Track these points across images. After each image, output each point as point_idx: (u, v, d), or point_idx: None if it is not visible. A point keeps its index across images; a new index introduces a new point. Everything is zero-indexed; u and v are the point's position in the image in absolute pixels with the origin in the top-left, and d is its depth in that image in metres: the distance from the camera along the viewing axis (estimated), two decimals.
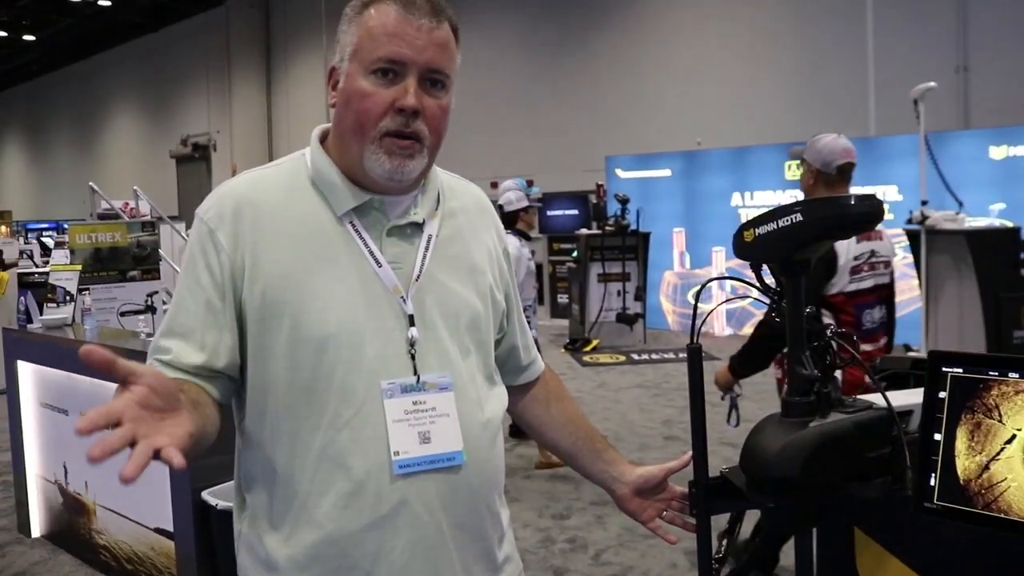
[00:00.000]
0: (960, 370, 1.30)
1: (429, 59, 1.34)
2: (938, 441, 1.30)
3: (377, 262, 1.37)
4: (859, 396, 1.50)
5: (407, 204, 1.43)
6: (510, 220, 5.85)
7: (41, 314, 4.84)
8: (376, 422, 1.33)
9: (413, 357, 1.37)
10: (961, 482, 1.26)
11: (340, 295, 1.34)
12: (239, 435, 1.45)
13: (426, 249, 1.42)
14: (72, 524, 4.46)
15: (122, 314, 5.45)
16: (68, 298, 4.82)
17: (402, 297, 1.37)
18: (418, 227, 1.43)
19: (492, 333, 1.52)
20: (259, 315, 1.34)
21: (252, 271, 1.34)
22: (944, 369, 1.32)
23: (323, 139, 1.46)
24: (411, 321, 1.37)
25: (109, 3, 22.25)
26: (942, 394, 1.31)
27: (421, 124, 1.34)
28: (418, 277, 1.40)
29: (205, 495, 3.30)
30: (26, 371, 4.68)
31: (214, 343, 1.35)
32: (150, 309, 5.51)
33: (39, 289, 5.54)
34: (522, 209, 5.91)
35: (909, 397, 1.51)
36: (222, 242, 1.35)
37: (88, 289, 5.16)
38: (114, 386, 1.08)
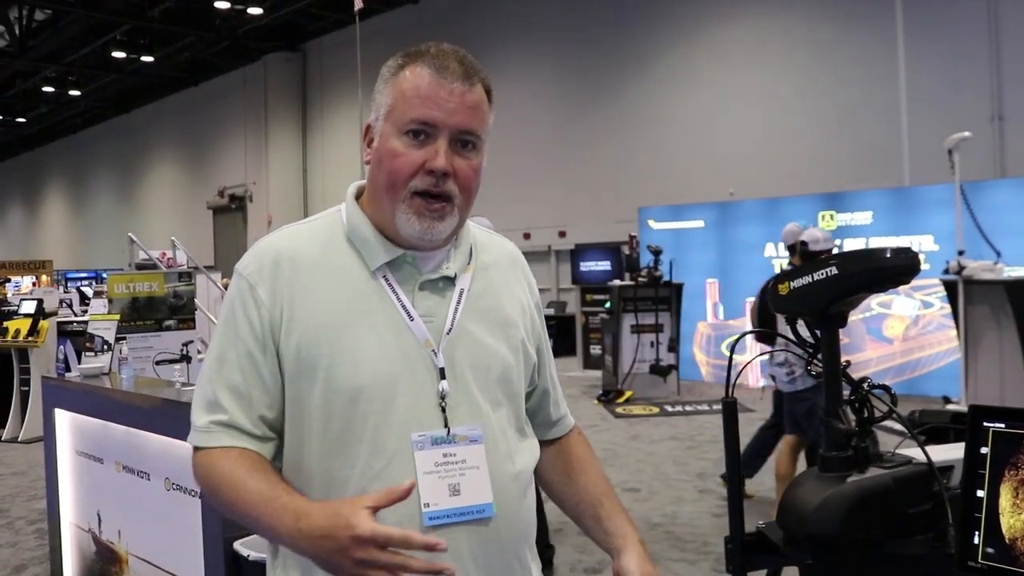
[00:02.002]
0: (1002, 425, 1.28)
1: (460, 122, 1.36)
2: (981, 498, 1.27)
3: (409, 316, 1.39)
4: (898, 451, 1.47)
5: (440, 259, 1.45)
6: (811, 259, 5.70)
7: (79, 363, 4.90)
8: (407, 473, 1.33)
9: (444, 410, 1.38)
10: (1007, 541, 1.23)
11: (373, 348, 1.36)
12: None
13: (458, 303, 1.44)
14: (104, 573, 4.46)
15: (158, 363, 5.51)
16: (106, 347, 4.88)
17: (433, 350, 1.39)
18: (450, 281, 1.45)
19: (523, 386, 1.53)
20: (295, 367, 1.37)
21: (288, 324, 1.37)
22: (986, 424, 1.30)
23: (358, 195, 1.49)
24: (442, 374, 1.39)
25: (151, 59, 22.81)
26: (984, 449, 1.29)
27: (452, 184, 1.37)
28: (449, 330, 1.41)
29: (237, 546, 3.29)
30: (63, 419, 4.73)
31: (260, 395, 1.38)
32: (185, 358, 5.58)
33: (78, 338, 5.61)
34: (827, 250, 5.69)
35: (950, 452, 1.48)
36: (262, 297, 1.38)
37: (125, 338, 5.22)
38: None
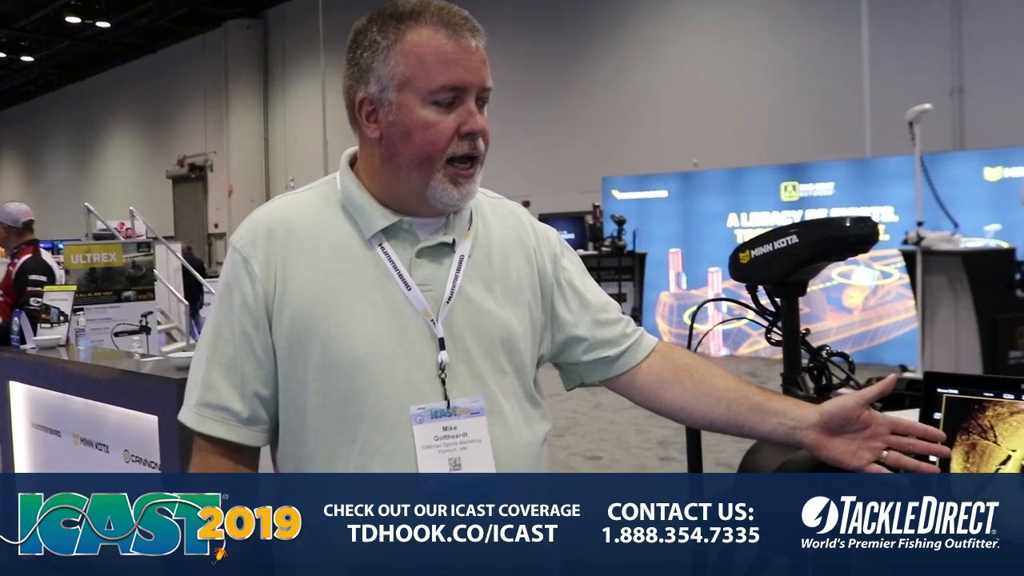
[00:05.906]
0: (955, 391, 1.30)
1: (483, 79, 1.34)
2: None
3: (406, 284, 1.35)
4: None
5: (438, 224, 1.40)
6: None
7: (35, 334, 4.82)
8: (406, 448, 1.31)
9: (444, 381, 1.34)
10: None
11: (369, 319, 1.33)
12: (274, 460, 1.43)
13: (458, 270, 1.38)
14: None
15: (116, 334, 5.43)
16: (62, 319, 4.80)
17: (432, 320, 1.35)
18: (449, 247, 1.40)
19: (532, 352, 1.47)
20: (288, 340, 1.33)
21: (281, 297, 1.33)
22: (939, 390, 1.32)
23: (352, 163, 1.44)
24: (441, 344, 1.34)
25: (107, 25, 22.32)
26: (937, 415, 1.31)
27: (482, 144, 1.35)
28: (449, 299, 1.36)
29: None
30: (18, 392, 4.66)
31: (253, 372, 1.34)
32: (144, 329, 5.50)
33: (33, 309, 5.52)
34: None
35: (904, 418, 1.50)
36: (256, 271, 1.34)
37: (82, 309, 5.14)
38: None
